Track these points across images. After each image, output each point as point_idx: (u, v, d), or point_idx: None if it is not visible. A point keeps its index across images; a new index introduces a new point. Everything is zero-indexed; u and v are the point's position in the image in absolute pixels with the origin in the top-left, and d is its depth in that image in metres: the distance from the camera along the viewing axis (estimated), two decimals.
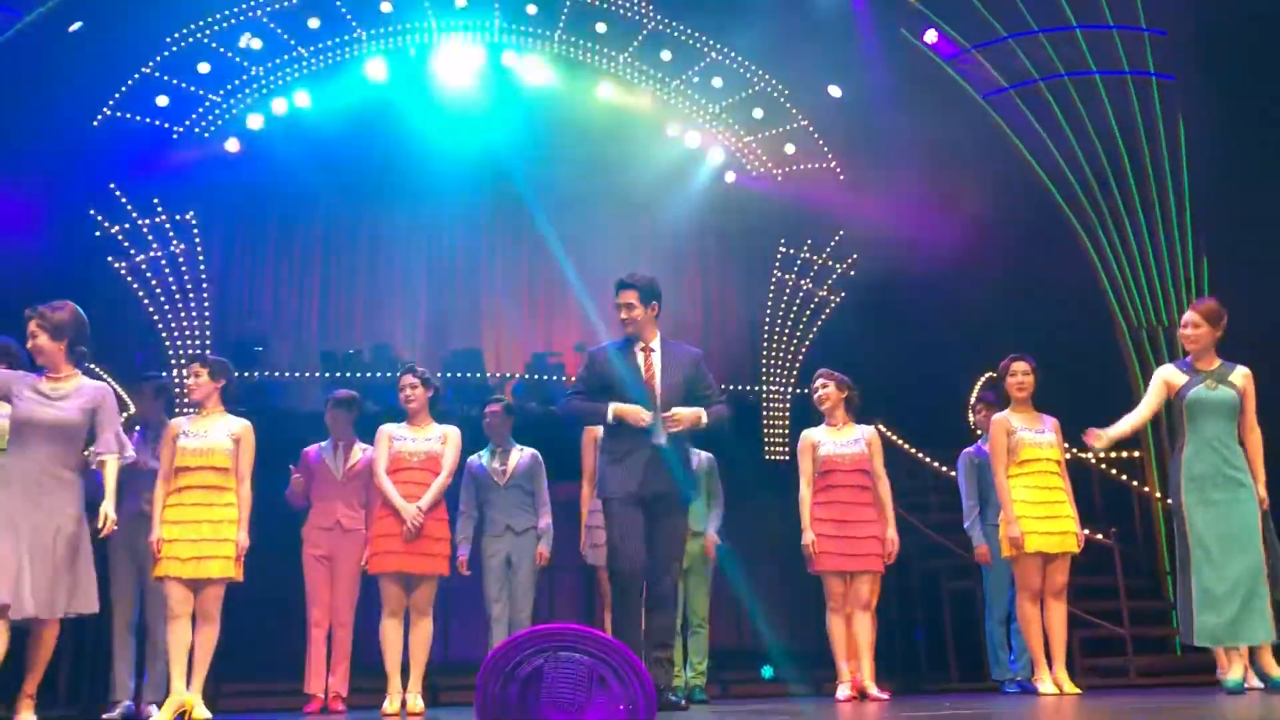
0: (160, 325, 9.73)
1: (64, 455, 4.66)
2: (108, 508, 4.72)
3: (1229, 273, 8.58)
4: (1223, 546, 5.06)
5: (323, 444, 6.17)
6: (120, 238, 9.62)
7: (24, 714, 4.59)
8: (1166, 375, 5.39)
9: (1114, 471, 8.69)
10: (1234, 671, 5.13)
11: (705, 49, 10.72)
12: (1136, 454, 8.98)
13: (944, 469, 8.43)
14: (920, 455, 8.94)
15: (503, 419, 6.27)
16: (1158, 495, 8.56)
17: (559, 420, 8.67)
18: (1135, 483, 8.74)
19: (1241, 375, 5.30)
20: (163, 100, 9.79)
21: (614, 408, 4.80)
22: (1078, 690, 5.67)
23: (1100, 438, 5.27)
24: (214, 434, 5.26)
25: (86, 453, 4.81)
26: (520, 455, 6.24)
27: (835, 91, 10.48)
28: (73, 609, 4.59)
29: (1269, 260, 7.54)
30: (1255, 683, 5.21)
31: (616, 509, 4.83)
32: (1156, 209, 9.08)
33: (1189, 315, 5.39)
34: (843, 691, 5.78)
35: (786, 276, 10.87)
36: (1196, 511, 5.12)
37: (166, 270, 9.80)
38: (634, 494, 4.78)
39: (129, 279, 9.63)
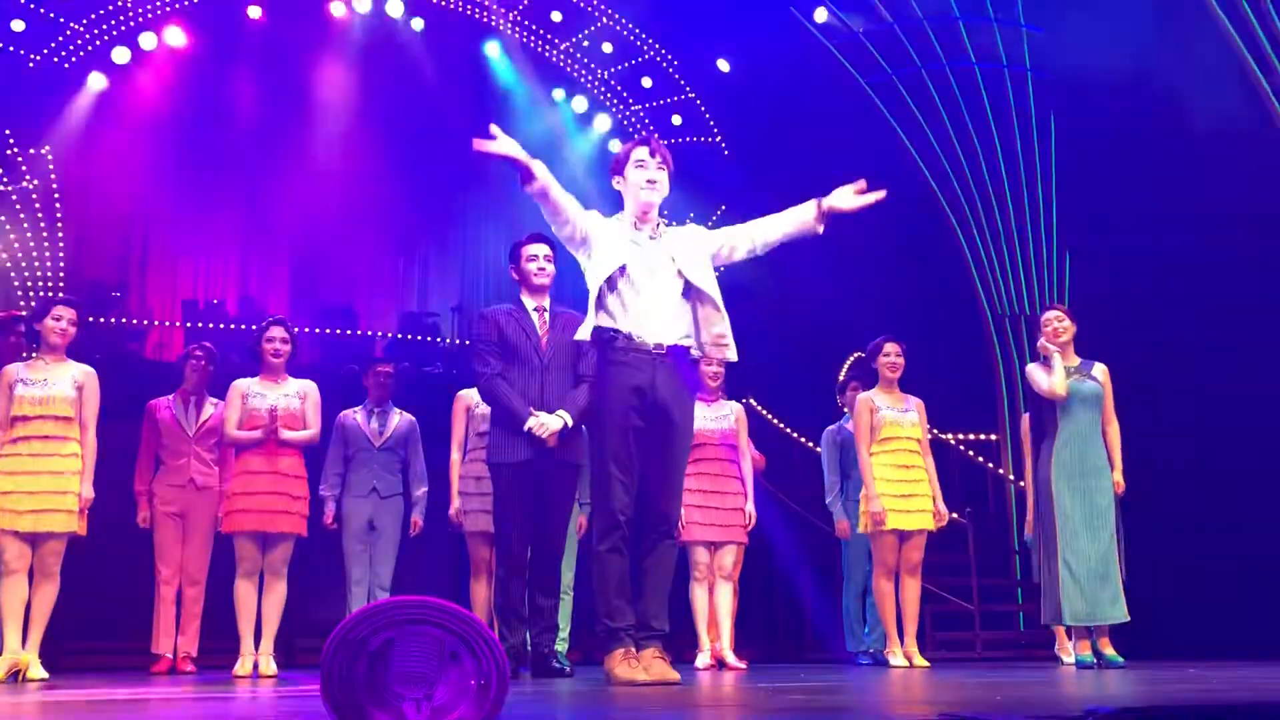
0: (9, 264, 9.22)
1: None
2: None
3: (1088, 268, 8.93)
4: (1087, 529, 5.32)
5: (170, 397, 5.94)
6: None
7: None
8: (1036, 370, 5.59)
9: (971, 453, 9.00)
10: (1082, 649, 5.40)
11: (596, 13, 10.62)
12: (994, 437, 9.32)
13: (811, 445, 8.59)
14: (788, 430, 9.10)
15: (391, 380, 6.18)
16: (1011, 477, 8.90)
17: (432, 382, 8.56)
18: (991, 464, 9.07)
19: (1101, 371, 5.58)
20: (18, 25, 9.22)
21: (530, 423, 4.70)
22: (926, 663, 5.86)
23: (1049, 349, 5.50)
24: (55, 381, 5.00)
25: None
26: (399, 419, 6.15)
27: (724, 66, 10.51)
28: None
29: (1126, 258, 7.87)
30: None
31: (506, 477, 4.80)
32: (1025, 202, 9.38)
33: (1055, 312, 5.63)
34: (701, 660, 5.86)
35: None
36: (1065, 496, 5.36)
37: (18, 206, 9.28)
38: (525, 462, 4.76)
39: None
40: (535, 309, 4.98)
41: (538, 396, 4.80)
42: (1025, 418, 6.26)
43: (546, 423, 4.69)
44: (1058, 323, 5.58)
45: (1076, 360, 5.58)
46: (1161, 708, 2.13)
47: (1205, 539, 7.07)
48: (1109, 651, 5.34)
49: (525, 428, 4.70)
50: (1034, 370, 5.62)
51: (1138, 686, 3.57)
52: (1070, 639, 5.73)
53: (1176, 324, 7.44)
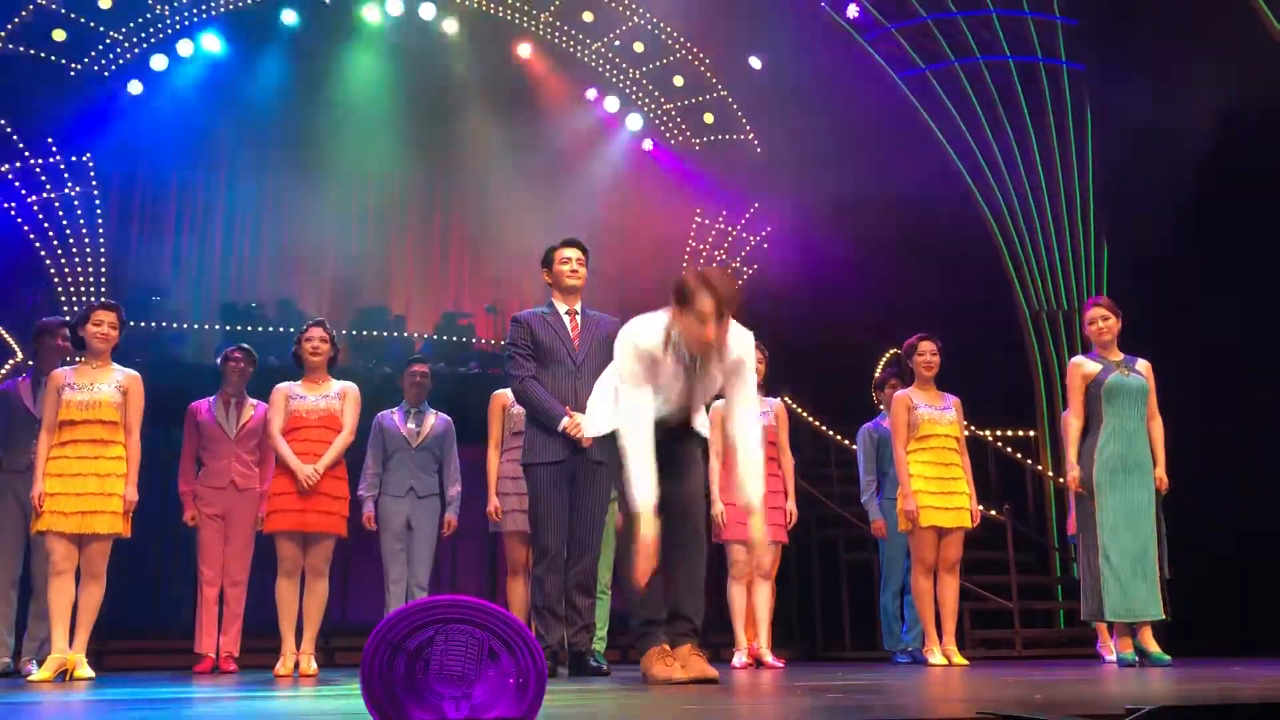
0: (53, 270, 9.37)
1: None
2: None
3: (1127, 261, 8.83)
4: (1128, 525, 5.28)
5: (212, 399, 6.02)
6: (11, 177, 9.22)
7: None
8: (1081, 367, 5.54)
9: (1009, 450, 8.92)
10: (1124, 646, 5.33)
11: (627, 13, 10.63)
12: (1032, 433, 9.23)
13: (846, 442, 8.56)
14: (823, 428, 9.07)
15: (427, 380, 6.24)
16: (1050, 474, 8.82)
17: (467, 382, 8.61)
18: (1029, 461, 8.98)
19: (1145, 366, 5.54)
20: (60, 35, 9.38)
21: (565, 423, 4.77)
22: (965, 661, 5.82)
23: (1073, 469, 5.43)
24: (101, 385, 5.08)
25: None
26: (435, 419, 6.21)
27: (755, 63, 10.48)
28: None
29: (1165, 252, 7.77)
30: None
31: (542, 477, 4.84)
32: (1062, 195, 9.28)
33: (1098, 310, 5.56)
34: (739, 659, 5.86)
35: (701, 247, 10.89)
36: (1107, 492, 5.32)
37: (60, 213, 9.43)
38: (560, 462, 4.80)
39: (19, 220, 9.24)
40: (568, 311, 5.04)
41: (572, 397, 4.84)
42: (1065, 414, 6.19)
43: (581, 422, 4.72)
44: (1102, 321, 5.53)
45: (1120, 355, 5.53)
46: (1202, 706, 2.11)
47: (1251, 536, 6.97)
48: (1153, 648, 5.27)
49: (560, 428, 4.75)
50: (1078, 364, 5.57)
51: (1179, 685, 3.54)
52: (1112, 636, 5.67)
53: (1217, 318, 7.33)
